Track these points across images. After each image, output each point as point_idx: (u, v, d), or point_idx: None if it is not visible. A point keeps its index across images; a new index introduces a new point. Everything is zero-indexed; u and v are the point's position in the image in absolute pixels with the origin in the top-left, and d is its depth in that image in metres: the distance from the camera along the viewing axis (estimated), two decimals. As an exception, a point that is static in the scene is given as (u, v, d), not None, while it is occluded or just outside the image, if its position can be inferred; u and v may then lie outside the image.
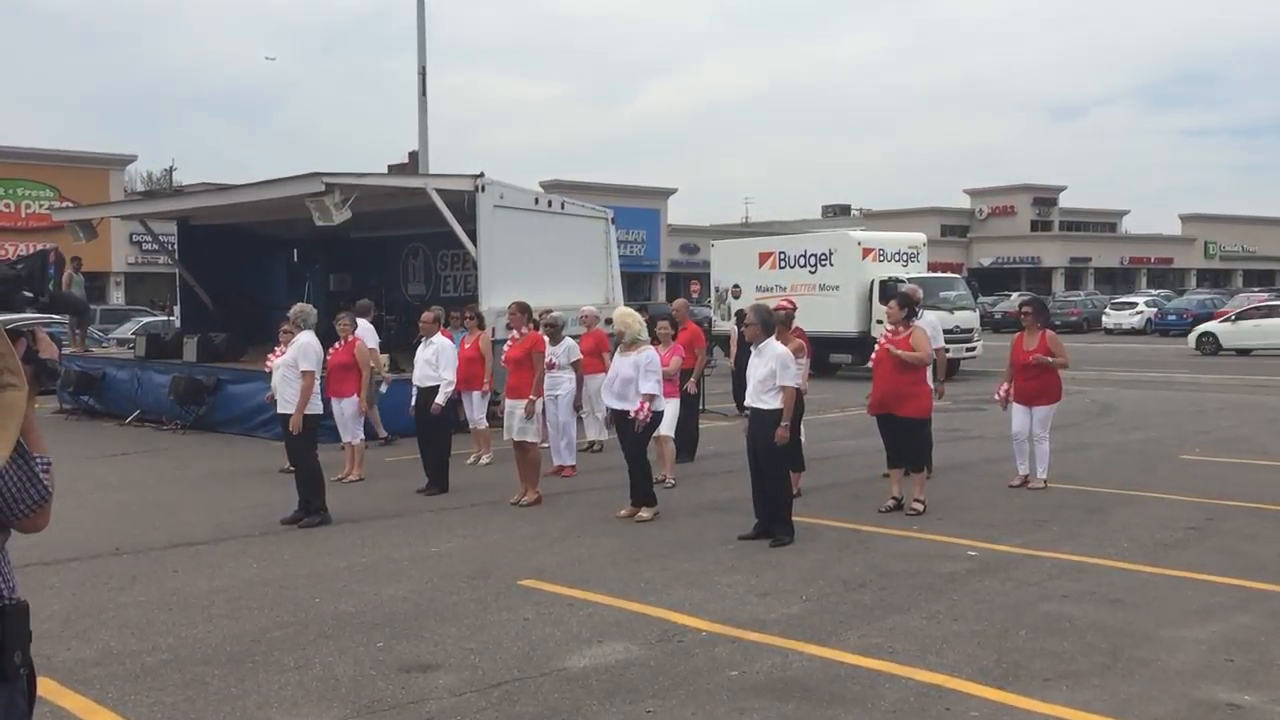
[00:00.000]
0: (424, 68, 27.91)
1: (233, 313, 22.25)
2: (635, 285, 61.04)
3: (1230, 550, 8.39)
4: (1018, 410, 11.02)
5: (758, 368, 8.76)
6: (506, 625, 6.59)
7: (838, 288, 26.40)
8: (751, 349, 8.93)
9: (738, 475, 10.82)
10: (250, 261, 23.64)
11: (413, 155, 38.08)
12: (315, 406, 10.00)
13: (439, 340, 11.45)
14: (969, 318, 26.58)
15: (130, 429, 17.99)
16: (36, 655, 5.86)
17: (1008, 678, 5.64)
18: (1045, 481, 10.96)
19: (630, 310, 10.09)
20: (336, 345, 12.21)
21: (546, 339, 11.38)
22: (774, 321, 9.15)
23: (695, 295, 47.40)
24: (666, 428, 11.09)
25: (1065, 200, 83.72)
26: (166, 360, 18.96)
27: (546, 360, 11.21)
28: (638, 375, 9.40)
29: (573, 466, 12.21)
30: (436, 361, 11.25)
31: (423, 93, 28.04)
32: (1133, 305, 49.44)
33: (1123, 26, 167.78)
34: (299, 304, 10.75)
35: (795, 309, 10.88)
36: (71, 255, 21.19)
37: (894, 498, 9.92)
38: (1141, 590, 7.28)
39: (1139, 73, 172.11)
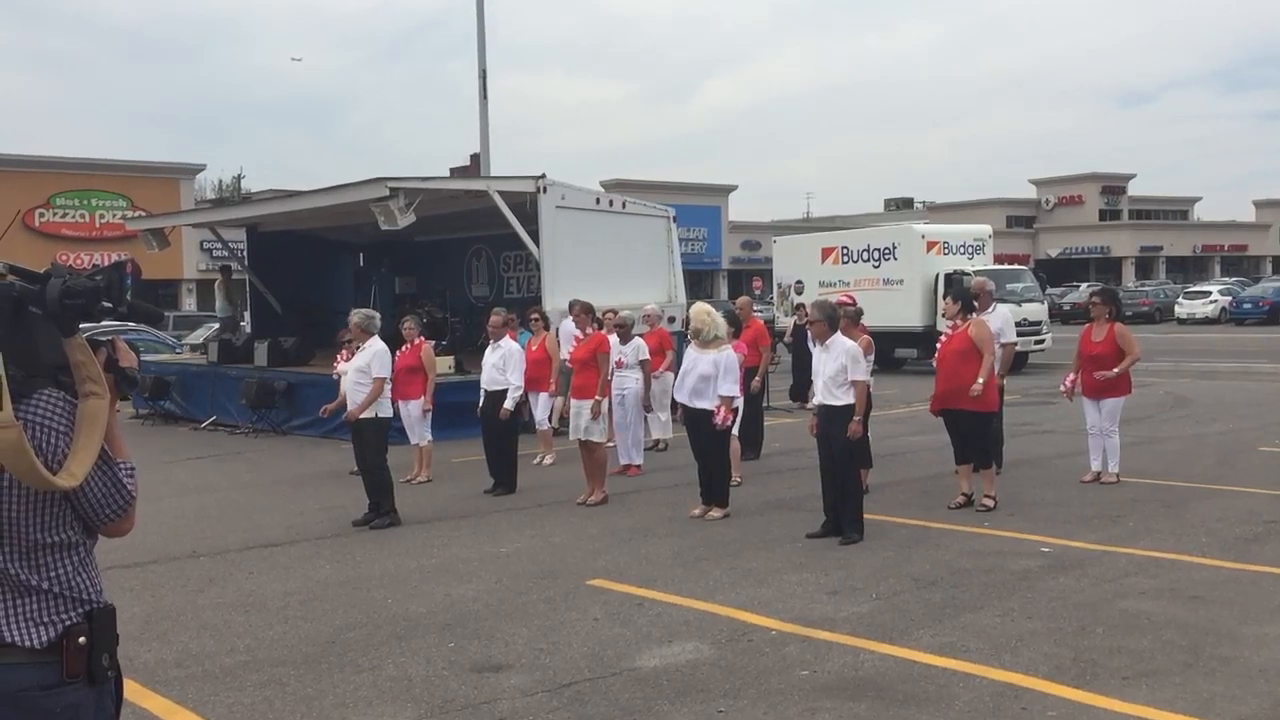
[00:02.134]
0: (484, 70, 28.06)
1: (301, 317, 22.59)
2: (697, 283, 61.00)
3: (1314, 544, 8.18)
4: (1088, 405, 10.80)
5: (826, 364, 8.70)
6: (576, 625, 6.61)
7: (902, 282, 26.19)
8: (817, 345, 8.87)
9: (804, 473, 10.78)
10: (317, 266, 23.99)
11: (474, 158, 38.32)
12: (386, 409, 10.10)
13: (506, 344, 11.48)
14: (1037, 310, 26.20)
15: (205, 433, 18.33)
16: (118, 657, 6.00)
17: (1085, 676, 5.55)
18: (1118, 476, 10.76)
19: (707, 306, 9.97)
20: (404, 348, 12.35)
21: (616, 338, 11.43)
22: (839, 316, 9.08)
23: (758, 292, 47.32)
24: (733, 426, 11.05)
25: (1134, 188, 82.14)
26: (238, 365, 19.29)
27: (615, 359, 11.24)
28: (717, 374, 9.32)
29: (639, 465, 12.24)
30: (504, 365, 11.30)
31: (484, 95, 28.19)
32: (1206, 294, 48.42)
33: (1193, 9, 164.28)
34: (361, 310, 10.81)
35: (856, 304, 10.82)
36: (220, 264, 22.04)
37: (964, 494, 9.80)
38: (1222, 586, 7.12)
39: (1211, 56, 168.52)
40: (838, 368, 8.62)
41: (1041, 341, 25.96)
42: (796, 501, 10.21)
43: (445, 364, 16.34)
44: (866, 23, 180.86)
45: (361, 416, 9.96)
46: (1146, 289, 54.52)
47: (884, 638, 6.23)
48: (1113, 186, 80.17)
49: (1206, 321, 45.48)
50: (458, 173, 40.07)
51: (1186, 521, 9.07)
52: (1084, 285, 58.86)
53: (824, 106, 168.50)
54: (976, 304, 10.91)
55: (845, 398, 8.63)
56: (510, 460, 11.37)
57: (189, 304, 50.71)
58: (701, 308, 9.86)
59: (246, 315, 24.05)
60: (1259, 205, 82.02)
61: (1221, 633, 6.18)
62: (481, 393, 11.62)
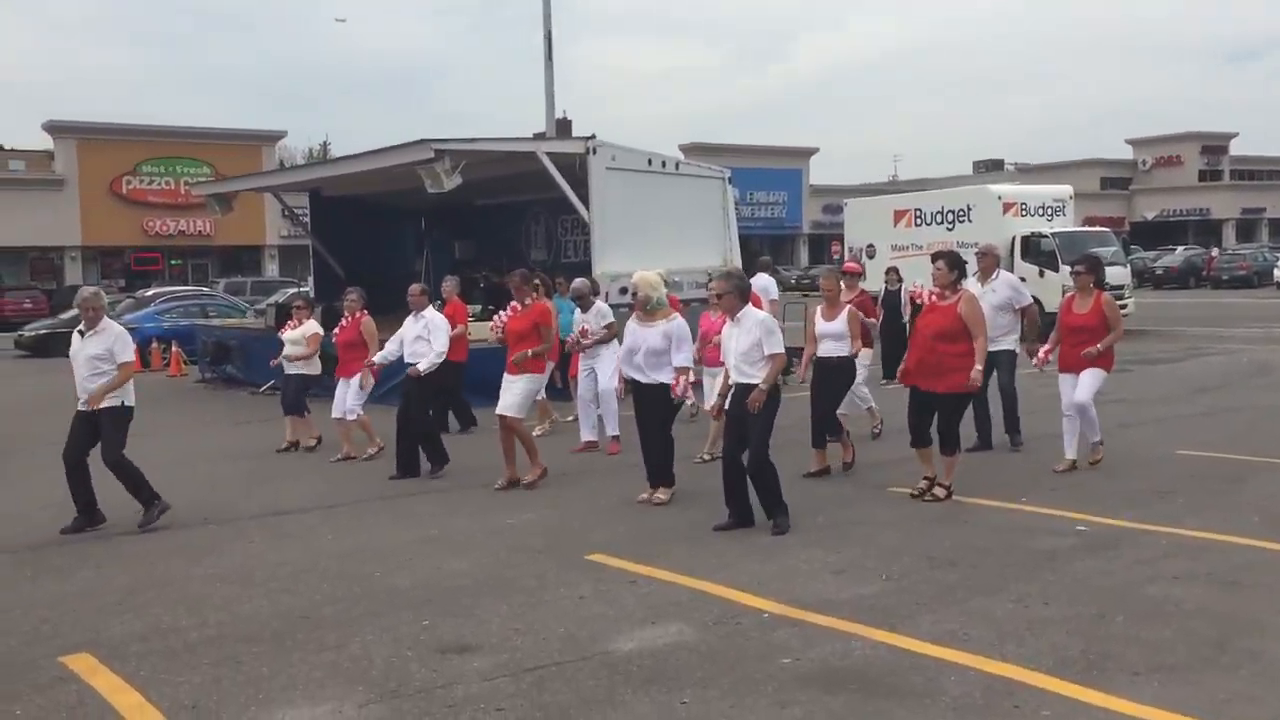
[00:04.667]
0: (549, 32, 27.74)
1: (364, 282, 22.50)
2: (777, 247, 60.24)
3: (1378, 526, 7.53)
4: (1066, 381, 9.73)
5: (739, 338, 7.95)
6: (560, 603, 6.29)
7: (977, 245, 25.29)
8: (729, 320, 8.15)
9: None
10: (379, 231, 23.90)
11: (560, 124, 38.15)
12: (130, 397, 8.67)
13: (430, 314, 10.87)
14: (1120, 274, 25.21)
15: (261, 398, 18.35)
16: (89, 628, 5.89)
17: (1092, 670, 5.07)
18: (1101, 444, 9.83)
19: (651, 275, 9.11)
20: (343, 322, 12.03)
21: (576, 308, 11.16)
22: (749, 287, 8.37)
23: (835, 256, 46.44)
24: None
25: (1237, 148, 79.09)
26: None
27: (578, 329, 10.96)
28: (670, 347, 8.71)
29: (616, 438, 11.61)
30: (428, 335, 10.68)
31: (549, 57, 27.89)
32: (1308, 257, 46.34)
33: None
34: (88, 286, 9.33)
35: (862, 273, 10.44)
36: None
37: (927, 478, 8.88)
38: (1264, 571, 6.56)
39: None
40: (751, 342, 7.88)
41: (1124, 307, 24.93)
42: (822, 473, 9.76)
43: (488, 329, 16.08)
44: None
45: (104, 405, 8.49)
46: (1244, 253, 52.28)
47: (882, 623, 5.80)
48: (1213, 146, 77.31)
49: (1308, 286, 43.49)
50: (539, 138, 39.99)
51: (1240, 499, 8.45)
52: (1180, 248, 56.87)
53: (915, 67, 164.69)
54: (979, 270, 10.35)
55: (762, 374, 7.90)
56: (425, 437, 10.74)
57: (271, 269, 51.45)
58: (646, 276, 9.02)
59: (310, 280, 24.11)
60: (1371, 164, 78.43)
61: (1254, 623, 5.65)
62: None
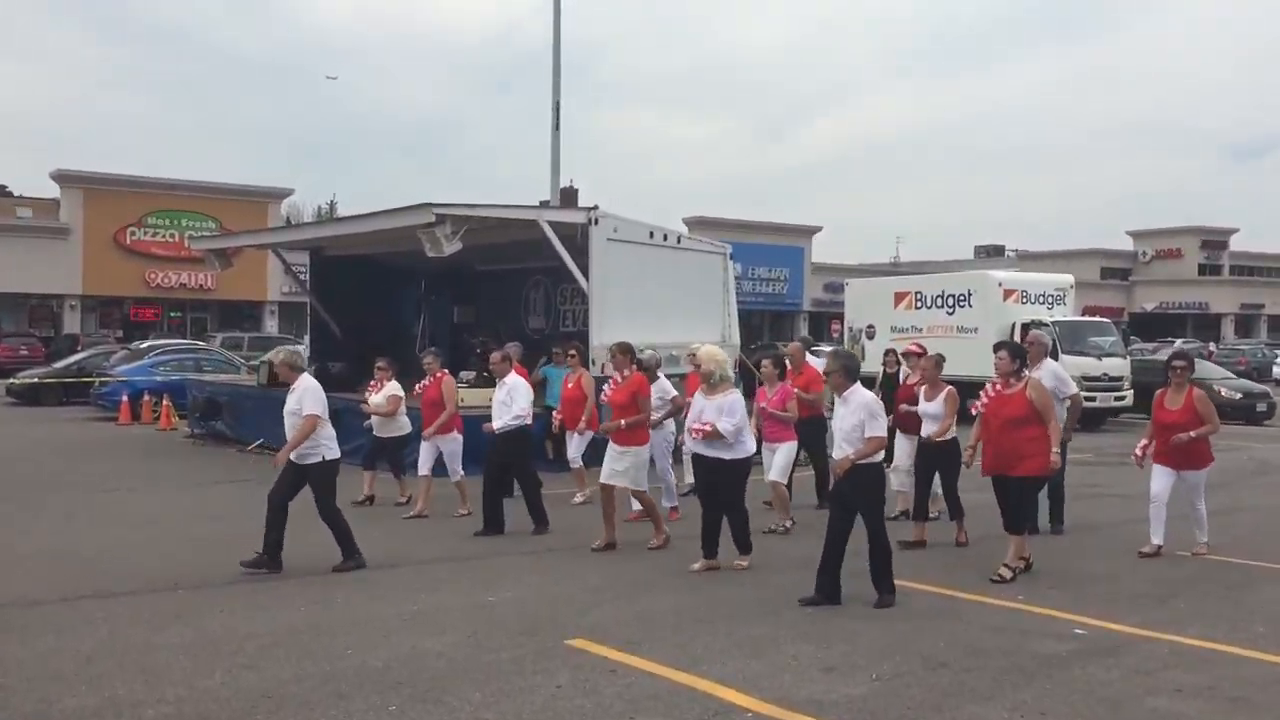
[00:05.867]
0: (558, 103, 27.90)
1: (361, 343, 22.34)
2: (777, 323, 60.21)
3: (1388, 642, 7.26)
4: (1160, 472, 9.90)
5: (845, 418, 8.08)
6: (535, 693, 6.01)
7: (976, 330, 25.22)
8: (836, 398, 8.26)
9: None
10: (378, 292, 23.74)
11: (565, 192, 38.30)
12: (333, 451, 9.33)
13: (512, 379, 11.15)
14: (1119, 365, 25.05)
15: (249, 456, 18.10)
16: (41, 699, 5.61)
17: (1090, 792, 4.81)
18: (1208, 546, 10.02)
19: (717, 350, 9.48)
20: (425, 382, 12.07)
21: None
22: (857, 368, 8.47)
23: (835, 335, 46.44)
24: (779, 473, 10.82)
25: (1237, 243, 79.48)
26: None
27: None
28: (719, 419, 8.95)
29: (674, 508, 11.71)
30: (510, 400, 10.90)
31: (556, 127, 28.01)
32: (1307, 354, 46.27)
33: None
34: (285, 347, 10.61)
35: (923, 353, 10.53)
36: None
37: (1023, 558, 9.05)
38: (1271, 688, 6.28)
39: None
40: (856, 422, 7.99)
41: (1122, 398, 24.77)
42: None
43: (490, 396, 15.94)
44: (974, 66, 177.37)
45: (309, 461, 9.14)
46: (1243, 348, 52.19)
47: (871, 728, 5.53)
48: (1214, 241, 77.64)
49: (1307, 383, 43.31)
50: (544, 206, 40.11)
51: (1246, 607, 8.18)
52: (1179, 341, 56.84)
53: (921, 149, 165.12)
54: (1027, 358, 10.28)
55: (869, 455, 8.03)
56: (534, 497, 11.04)
57: (272, 325, 51.32)
58: (712, 352, 9.38)
59: (306, 339, 23.94)
60: (1371, 264, 78.79)
61: (1262, 746, 5.39)
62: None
